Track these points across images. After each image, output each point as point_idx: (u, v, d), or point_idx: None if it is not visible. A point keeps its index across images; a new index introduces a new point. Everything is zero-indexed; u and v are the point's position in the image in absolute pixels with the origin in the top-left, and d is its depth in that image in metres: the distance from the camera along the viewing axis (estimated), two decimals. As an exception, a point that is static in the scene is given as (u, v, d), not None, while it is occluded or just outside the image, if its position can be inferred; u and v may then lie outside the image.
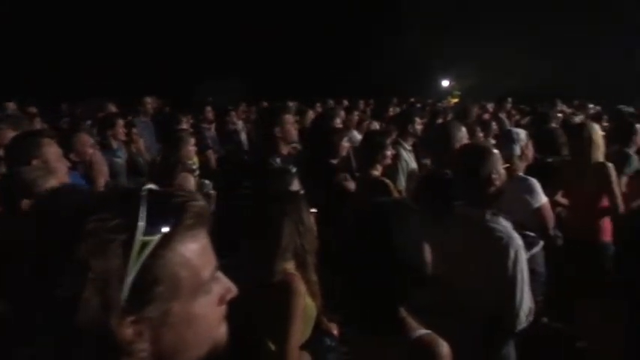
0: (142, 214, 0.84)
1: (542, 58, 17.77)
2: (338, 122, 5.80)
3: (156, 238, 0.84)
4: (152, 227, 0.84)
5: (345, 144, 4.50)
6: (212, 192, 4.51)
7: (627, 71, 16.14)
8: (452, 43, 19.04)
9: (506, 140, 3.99)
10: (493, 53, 18.30)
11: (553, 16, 18.09)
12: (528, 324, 2.64)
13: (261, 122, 4.17)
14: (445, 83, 23.07)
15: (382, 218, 1.68)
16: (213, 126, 7.61)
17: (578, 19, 17.68)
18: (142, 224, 0.83)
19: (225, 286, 0.99)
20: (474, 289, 2.59)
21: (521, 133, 4.08)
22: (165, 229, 0.86)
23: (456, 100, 18.72)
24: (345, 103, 10.32)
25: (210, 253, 0.95)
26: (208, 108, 7.61)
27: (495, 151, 2.89)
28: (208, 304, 0.94)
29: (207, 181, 4.69)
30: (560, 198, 4.70)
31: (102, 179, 4.37)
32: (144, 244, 0.83)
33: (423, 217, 3.02)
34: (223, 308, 0.99)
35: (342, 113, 6.65)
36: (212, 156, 6.64)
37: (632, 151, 5.37)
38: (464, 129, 3.85)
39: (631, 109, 8.65)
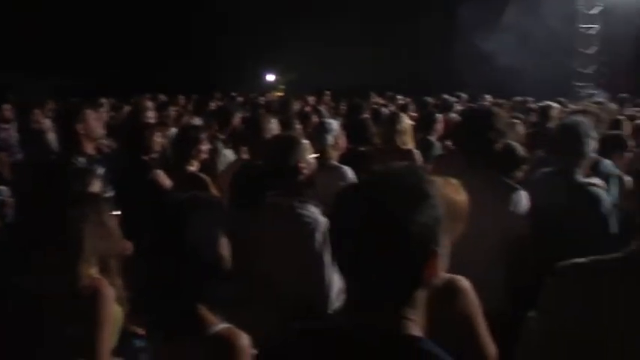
0: None
1: (363, 52, 18.76)
2: (150, 117, 5.58)
3: None
4: None
5: (159, 139, 4.33)
6: (9, 199, 4.09)
7: (439, 65, 17.67)
8: (277, 37, 19.34)
9: (319, 131, 4.11)
10: (317, 47, 18.92)
11: (373, 12, 19.16)
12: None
13: (61, 120, 3.85)
14: (270, 77, 23.40)
15: (173, 214, 1.62)
16: (13, 126, 6.89)
17: (396, 15, 18.95)
18: None
19: None
20: (287, 276, 2.64)
21: (334, 124, 4.23)
22: None
23: (280, 93, 19.06)
24: (163, 98, 9.97)
25: None
26: (7, 106, 6.87)
27: (304, 141, 2.97)
28: None
29: (2, 187, 4.24)
30: (372, 184, 4.96)
31: None
32: None
33: (238, 209, 3.03)
34: None
35: (151, 105, 6.40)
36: (4, 159, 6.01)
37: (433, 138, 5.85)
38: (274, 121, 3.90)
39: (433, 100, 9.46)
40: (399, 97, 11.41)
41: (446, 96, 9.88)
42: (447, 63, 17.05)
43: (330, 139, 4.06)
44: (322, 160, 3.66)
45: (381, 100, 11.05)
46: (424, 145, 5.46)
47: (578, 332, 1.73)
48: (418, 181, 1.18)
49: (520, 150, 3.72)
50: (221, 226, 1.70)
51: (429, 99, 9.51)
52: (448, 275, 2.11)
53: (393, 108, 8.52)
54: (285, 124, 4.83)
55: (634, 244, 1.73)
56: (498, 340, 2.14)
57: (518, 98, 10.06)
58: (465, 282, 2.11)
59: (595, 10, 16.86)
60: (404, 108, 8.37)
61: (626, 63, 15.37)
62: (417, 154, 5.00)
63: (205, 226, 1.64)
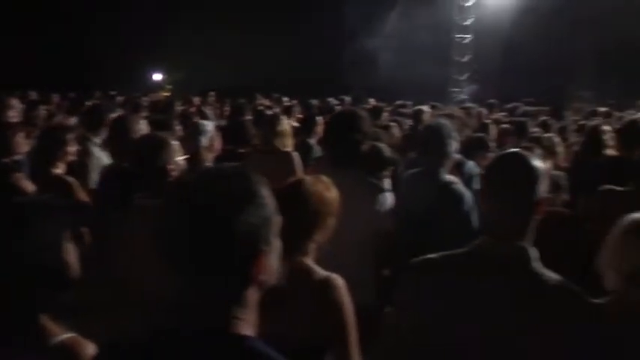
0: None
1: (252, 52, 18.70)
2: (13, 116, 5.23)
3: None
4: None
5: (22, 140, 4.06)
6: None
7: (328, 67, 17.99)
8: (164, 36, 18.83)
9: (192, 132, 4.04)
10: (206, 47, 18.62)
11: (264, 12, 19.13)
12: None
13: None
14: (157, 77, 22.71)
15: (11, 219, 1.53)
16: None
17: (287, 16, 19.08)
18: None
19: None
20: (158, 279, 2.57)
21: (208, 125, 4.17)
22: None
23: (167, 93, 18.58)
24: (33, 96, 9.34)
25: None
26: None
27: (173, 142, 2.91)
28: None
29: None
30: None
31: None
32: None
33: (108, 211, 2.92)
34: None
35: (17, 103, 5.95)
36: None
37: (313, 141, 5.94)
38: (142, 122, 3.79)
39: (318, 103, 9.63)
40: (284, 98, 11.49)
41: (330, 99, 10.08)
42: (336, 65, 17.44)
43: (203, 140, 3.99)
44: (195, 161, 3.61)
45: (266, 102, 11.06)
46: (303, 148, 5.52)
47: (429, 325, 1.82)
48: (245, 181, 1.20)
49: (386, 151, 3.87)
50: (67, 231, 1.61)
51: (314, 101, 9.66)
52: (325, 272, 2.17)
53: (278, 110, 8.56)
54: (165, 125, 4.70)
55: (479, 240, 1.86)
56: (365, 337, 2.21)
57: (399, 102, 10.48)
58: (339, 280, 2.17)
59: (468, 22, 18.02)
60: (289, 110, 8.43)
61: (495, 70, 16.56)
62: (296, 156, 5.05)
63: (48, 231, 1.55)
